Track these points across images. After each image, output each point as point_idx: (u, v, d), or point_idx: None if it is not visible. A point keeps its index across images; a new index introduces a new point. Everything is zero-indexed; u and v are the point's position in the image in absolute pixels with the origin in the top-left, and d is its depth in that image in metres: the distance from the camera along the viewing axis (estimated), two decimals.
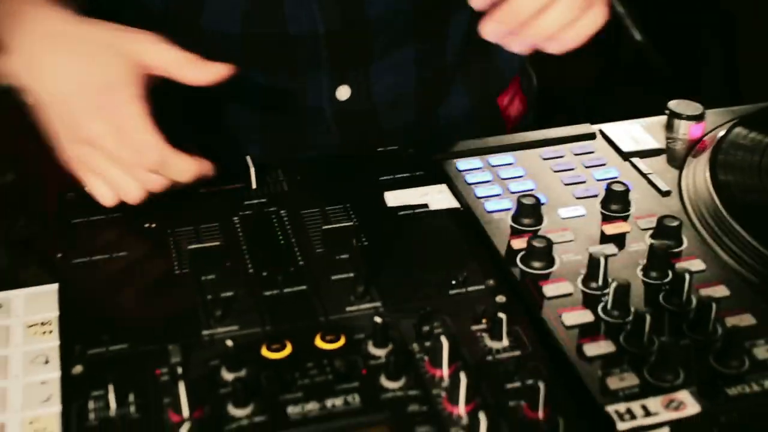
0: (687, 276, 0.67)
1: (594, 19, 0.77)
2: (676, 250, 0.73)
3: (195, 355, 0.64)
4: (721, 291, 0.68)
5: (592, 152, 0.86)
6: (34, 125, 0.78)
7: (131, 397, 0.61)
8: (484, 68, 1.03)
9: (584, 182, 0.81)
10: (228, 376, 0.62)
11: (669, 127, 0.89)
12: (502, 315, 0.65)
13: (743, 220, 0.74)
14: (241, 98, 0.94)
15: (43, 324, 0.75)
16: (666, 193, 0.80)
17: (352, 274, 0.72)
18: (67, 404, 0.61)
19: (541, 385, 0.59)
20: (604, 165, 0.84)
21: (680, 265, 0.70)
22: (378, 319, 0.65)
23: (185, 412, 0.59)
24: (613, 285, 0.66)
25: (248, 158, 0.83)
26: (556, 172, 0.83)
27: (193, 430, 0.56)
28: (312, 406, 0.60)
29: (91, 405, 0.60)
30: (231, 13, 0.89)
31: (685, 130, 0.88)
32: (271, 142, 0.98)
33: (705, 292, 0.68)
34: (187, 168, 0.76)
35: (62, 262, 0.74)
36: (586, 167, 0.84)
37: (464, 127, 1.01)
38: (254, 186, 0.83)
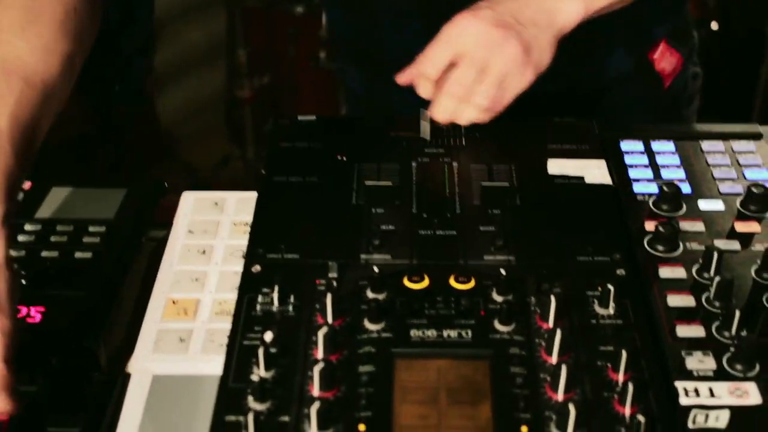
0: None
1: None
2: None
3: (349, 274, 0.78)
4: None
5: (752, 152, 0.92)
6: None
7: (291, 298, 0.75)
8: (635, 27, 1.08)
9: (734, 179, 0.88)
10: (370, 295, 0.76)
11: None
12: (611, 286, 0.74)
13: None
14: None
15: (245, 224, 0.91)
16: None
17: (495, 229, 0.83)
18: (242, 294, 0.77)
19: (624, 352, 0.68)
20: (758, 166, 0.90)
21: None
22: (503, 272, 0.76)
23: (329, 318, 0.73)
24: (717, 279, 0.74)
25: (422, 111, 0.95)
26: (709, 165, 0.90)
27: (274, 340, 0.71)
28: (430, 333, 0.73)
29: (259, 299, 0.76)
30: None
31: None
32: None
33: None
34: None
35: (264, 177, 0.90)
36: (741, 165, 0.90)
37: (624, 85, 1.08)
38: (428, 138, 0.95)
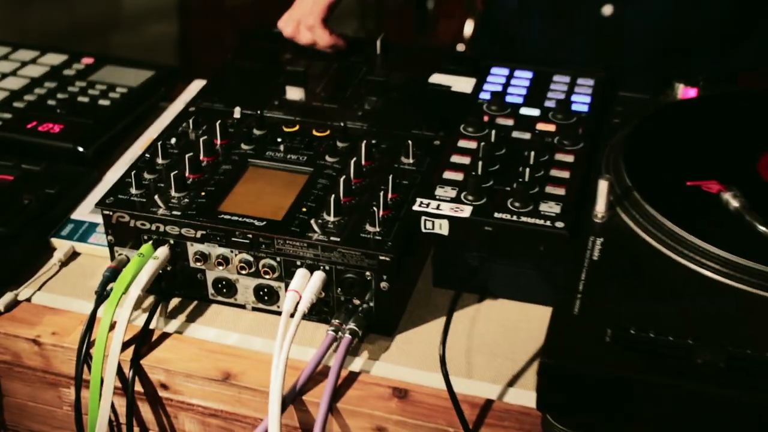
0: None
1: None
2: None
3: (248, 119, 1.12)
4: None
5: (588, 86, 1.18)
6: None
7: (204, 128, 1.11)
8: None
9: (559, 99, 1.15)
10: (255, 132, 1.10)
11: None
12: (410, 142, 1.05)
13: None
14: None
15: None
16: None
17: (366, 107, 1.15)
18: (176, 122, 1.12)
19: (391, 178, 0.99)
20: (585, 95, 1.16)
21: None
22: (343, 125, 1.08)
23: (218, 139, 1.08)
24: (482, 144, 1.02)
25: None
26: (549, 89, 1.17)
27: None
28: (280, 155, 1.06)
29: (183, 125, 1.12)
30: None
31: None
32: None
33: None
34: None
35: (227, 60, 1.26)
36: (571, 93, 1.16)
37: None
38: None
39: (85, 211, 1.13)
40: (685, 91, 1.17)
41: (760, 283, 0.86)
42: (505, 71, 1.22)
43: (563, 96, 1.16)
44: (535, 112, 1.13)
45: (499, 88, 1.17)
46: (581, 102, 1.15)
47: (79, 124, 1.23)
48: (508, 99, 1.15)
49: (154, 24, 2.95)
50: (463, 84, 1.20)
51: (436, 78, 1.22)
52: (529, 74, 1.21)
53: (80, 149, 1.20)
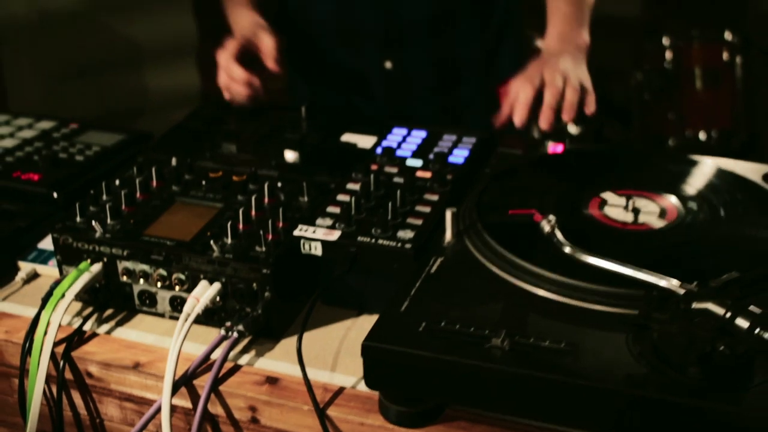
0: None
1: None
2: None
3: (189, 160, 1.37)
4: None
5: (469, 143, 1.41)
6: None
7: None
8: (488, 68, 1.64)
9: (443, 152, 1.38)
10: (186, 176, 1.34)
11: None
12: (305, 183, 1.28)
13: None
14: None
15: None
16: None
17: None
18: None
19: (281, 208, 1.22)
20: (463, 149, 1.39)
21: None
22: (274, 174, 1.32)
23: (153, 182, 1.32)
24: (369, 181, 1.25)
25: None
26: (436, 144, 1.40)
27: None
28: (202, 194, 1.30)
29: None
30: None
31: None
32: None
33: None
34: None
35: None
36: (451, 147, 1.39)
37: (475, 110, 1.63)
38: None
39: (50, 242, 1.38)
40: (553, 147, 1.40)
41: (553, 288, 1.07)
42: (404, 131, 1.45)
43: (445, 150, 1.39)
44: (418, 162, 1.36)
45: (394, 144, 1.41)
46: (459, 155, 1.37)
47: (56, 174, 1.49)
48: (399, 153, 1.39)
49: (177, 110, 3.25)
50: (367, 141, 1.44)
51: (347, 137, 1.46)
52: (423, 133, 1.45)
53: (54, 194, 1.45)
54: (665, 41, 2.84)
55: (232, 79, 1.56)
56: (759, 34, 2.83)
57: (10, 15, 2.94)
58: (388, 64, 1.87)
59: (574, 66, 1.52)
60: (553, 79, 1.46)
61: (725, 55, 2.81)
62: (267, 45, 1.58)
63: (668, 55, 2.83)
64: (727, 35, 2.82)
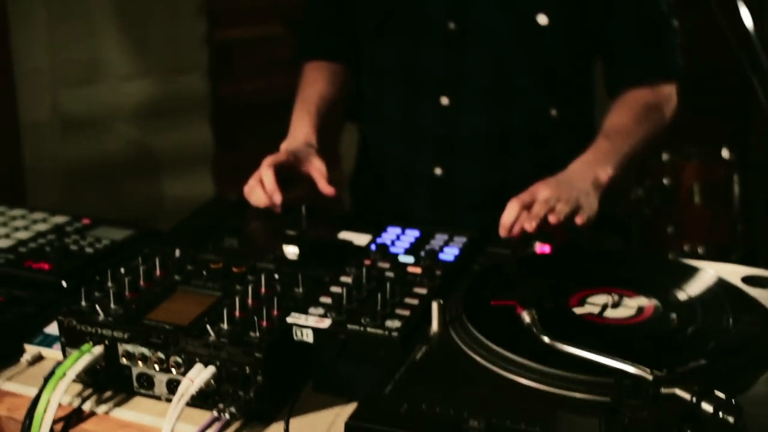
0: None
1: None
2: None
3: (193, 256, 1.44)
4: None
5: (461, 242, 1.47)
6: None
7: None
8: None
9: (426, 250, 1.44)
10: (188, 266, 1.41)
11: None
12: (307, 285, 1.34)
13: None
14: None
15: None
16: None
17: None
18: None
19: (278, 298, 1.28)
20: (453, 249, 1.45)
21: None
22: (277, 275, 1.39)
23: (156, 272, 1.39)
24: (362, 278, 1.31)
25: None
26: (415, 244, 1.47)
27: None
28: (203, 284, 1.36)
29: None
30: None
31: None
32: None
33: None
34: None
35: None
36: (436, 246, 1.45)
37: None
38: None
39: (56, 327, 1.44)
40: (540, 247, 1.46)
41: (531, 375, 1.12)
42: (398, 230, 1.52)
43: (437, 248, 1.45)
44: (410, 259, 1.42)
45: (388, 242, 1.48)
46: (450, 253, 1.44)
47: (66, 264, 1.56)
48: (392, 250, 1.45)
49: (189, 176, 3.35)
50: (363, 239, 1.51)
51: (344, 234, 1.53)
52: (416, 233, 1.52)
53: (63, 283, 1.52)
54: (664, 158, 2.94)
55: (262, 183, 1.65)
56: (756, 151, 2.92)
57: (33, 119, 3.07)
58: (438, 171, 1.94)
59: (580, 193, 1.59)
60: (546, 198, 1.55)
61: (723, 172, 2.89)
62: (318, 168, 1.70)
63: (667, 171, 2.92)
64: (725, 153, 2.91)
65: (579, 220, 1.55)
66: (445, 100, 1.88)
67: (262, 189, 1.65)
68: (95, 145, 3.21)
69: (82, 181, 3.17)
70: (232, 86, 3.49)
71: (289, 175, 1.69)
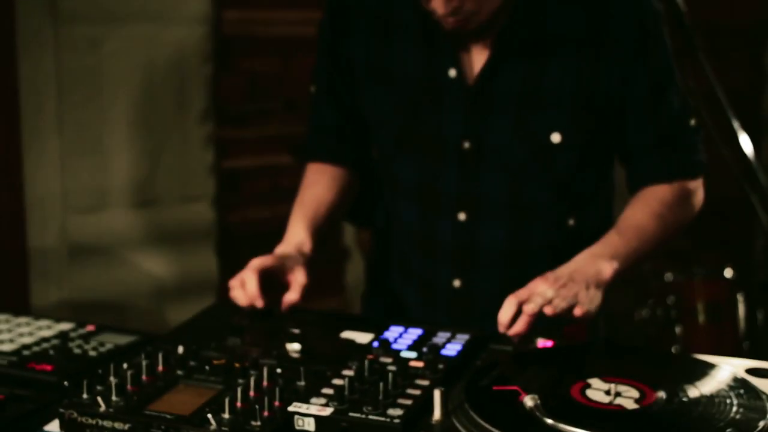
0: None
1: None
2: None
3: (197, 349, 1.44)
4: None
5: (463, 342, 1.47)
6: None
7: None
8: None
9: (436, 347, 1.44)
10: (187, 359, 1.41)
11: None
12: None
13: None
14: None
15: None
16: None
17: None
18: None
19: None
20: (454, 347, 1.45)
21: None
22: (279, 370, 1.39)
23: (159, 366, 1.39)
24: (363, 374, 1.31)
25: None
26: (429, 342, 1.47)
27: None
28: (204, 378, 1.36)
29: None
30: None
31: None
32: None
33: None
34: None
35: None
36: (443, 343, 1.46)
37: None
38: None
39: (56, 425, 1.43)
40: (542, 342, 1.46)
41: None
42: (401, 328, 1.53)
43: (439, 344, 1.46)
44: (412, 354, 1.42)
45: (391, 339, 1.48)
46: (452, 348, 1.44)
47: (68, 366, 1.56)
48: (394, 346, 1.46)
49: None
50: (365, 337, 1.51)
51: (346, 334, 1.53)
52: (419, 331, 1.52)
53: (65, 383, 1.51)
54: (668, 278, 2.95)
55: (243, 285, 1.66)
56: (758, 270, 2.94)
57: (41, 246, 3.10)
58: (457, 283, 1.91)
59: (579, 287, 1.60)
60: (542, 293, 1.56)
61: (727, 291, 2.89)
62: (298, 281, 1.72)
63: (672, 290, 2.93)
64: (728, 272, 2.92)
65: (578, 311, 1.55)
66: (462, 216, 1.87)
67: (240, 292, 1.68)
68: (101, 272, 3.23)
69: (86, 307, 3.18)
70: (238, 214, 3.54)
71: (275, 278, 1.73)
